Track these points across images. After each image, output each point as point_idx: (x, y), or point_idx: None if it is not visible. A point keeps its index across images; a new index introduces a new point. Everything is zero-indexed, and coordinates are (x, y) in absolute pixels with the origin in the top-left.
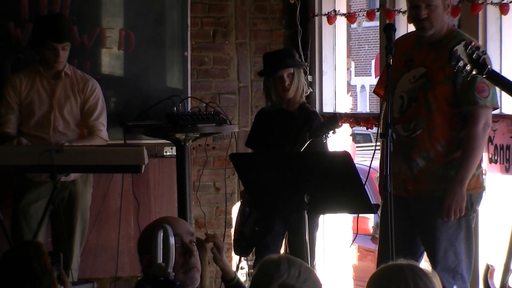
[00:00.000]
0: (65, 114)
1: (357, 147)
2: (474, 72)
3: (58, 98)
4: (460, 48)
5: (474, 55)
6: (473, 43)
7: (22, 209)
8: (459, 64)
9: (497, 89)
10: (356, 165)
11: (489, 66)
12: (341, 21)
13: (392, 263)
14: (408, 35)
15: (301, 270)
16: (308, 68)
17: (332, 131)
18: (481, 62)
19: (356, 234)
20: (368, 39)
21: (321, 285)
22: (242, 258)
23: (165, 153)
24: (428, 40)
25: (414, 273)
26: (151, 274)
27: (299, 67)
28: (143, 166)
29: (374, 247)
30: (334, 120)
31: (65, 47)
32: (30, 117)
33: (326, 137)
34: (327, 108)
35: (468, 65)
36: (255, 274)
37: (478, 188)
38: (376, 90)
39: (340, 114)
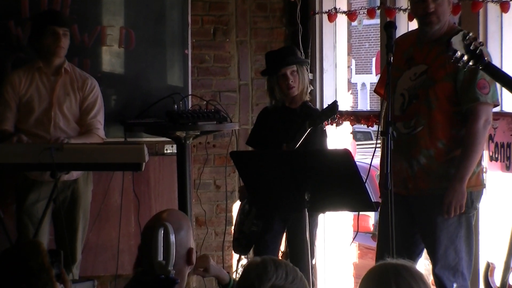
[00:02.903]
0: (64, 110)
1: (357, 145)
2: (470, 63)
3: (57, 95)
4: (457, 38)
5: (472, 46)
6: (470, 34)
7: (26, 210)
8: (456, 54)
9: (498, 86)
10: (357, 163)
11: (486, 58)
12: (342, 19)
13: (380, 262)
14: (409, 34)
15: (288, 270)
16: (309, 66)
17: (331, 118)
18: (478, 53)
19: (357, 232)
20: (369, 37)
21: (306, 282)
22: (243, 256)
23: (165, 151)
24: (429, 37)
25: (397, 273)
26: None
27: (301, 64)
28: (144, 164)
29: (375, 245)
30: (333, 106)
31: (65, 33)
32: (30, 114)
33: (327, 121)
34: None
35: (465, 55)
36: (241, 279)
37: (478, 186)
38: (376, 90)
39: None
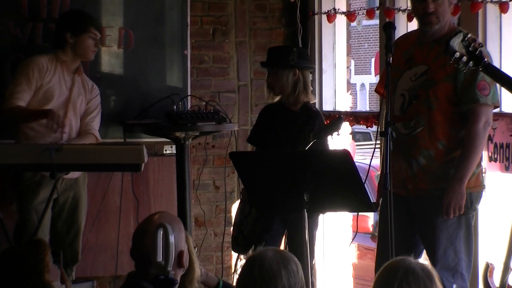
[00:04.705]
0: (77, 108)
1: (356, 145)
2: (470, 64)
3: (74, 92)
4: (456, 40)
5: (471, 47)
6: (469, 35)
7: (35, 207)
8: (455, 55)
9: (498, 87)
10: (356, 163)
11: (486, 59)
12: (341, 20)
13: (399, 258)
14: (409, 34)
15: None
16: (295, 68)
17: (336, 132)
18: (477, 55)
19: (356, 232)
20: (368, 38)
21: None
22: (241, 256)
23: (164, 152)
24: (429, 38)
25: (404, 278)
26: (148, 272)
27: (283, 67)
28: (143, 164)
29: (374, 245)
30: (338, 121)
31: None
32: (47, 103)
33: (331, 137)
34: (327, 106)
35: (464, 56)
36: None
37: (478, 187)
38: (377, 89)
39: (342, 114)
